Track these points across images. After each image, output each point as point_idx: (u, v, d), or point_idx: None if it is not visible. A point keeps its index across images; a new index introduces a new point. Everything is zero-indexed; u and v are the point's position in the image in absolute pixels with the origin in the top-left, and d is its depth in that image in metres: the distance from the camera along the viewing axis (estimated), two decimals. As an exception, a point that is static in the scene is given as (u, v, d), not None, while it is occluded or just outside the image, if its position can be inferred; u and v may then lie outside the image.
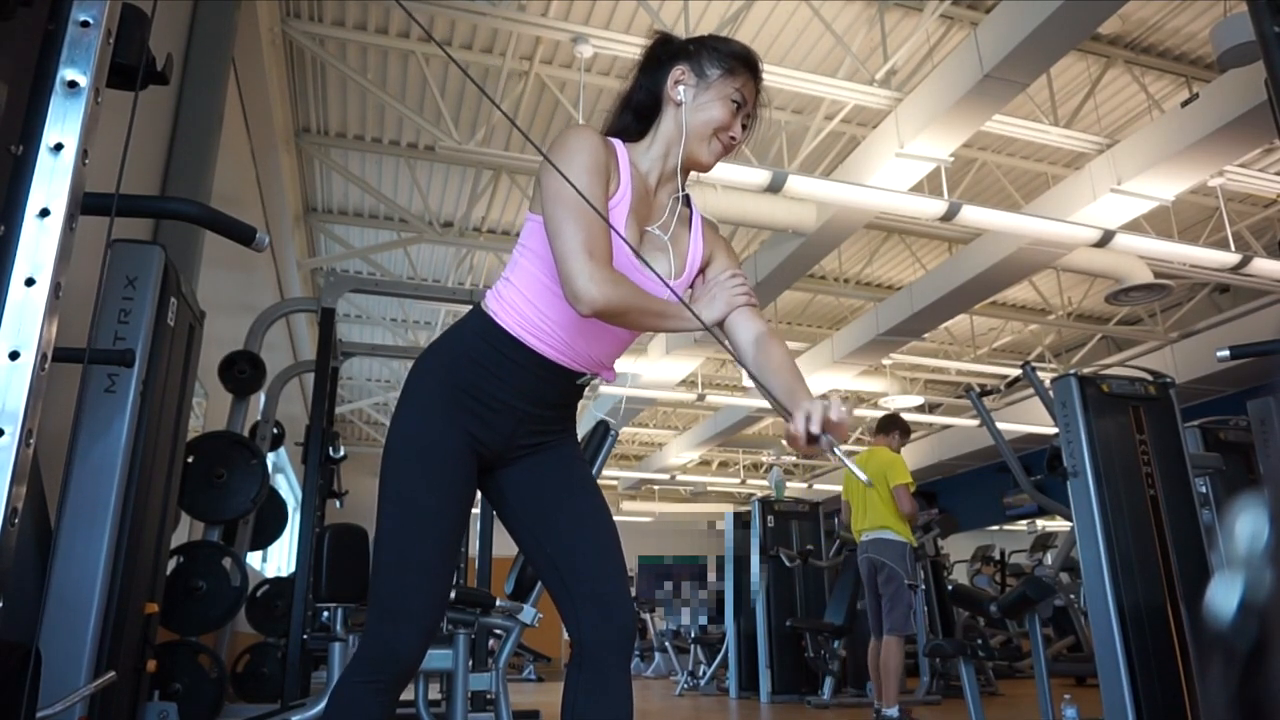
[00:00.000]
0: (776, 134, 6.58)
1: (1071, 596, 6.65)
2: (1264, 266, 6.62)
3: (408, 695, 3.16)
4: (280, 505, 4.63)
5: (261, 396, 4.74)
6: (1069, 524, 3.50)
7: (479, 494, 1.48)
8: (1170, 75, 6.22)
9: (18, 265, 0.84)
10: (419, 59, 5.87)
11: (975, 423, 8.80)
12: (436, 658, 2.89)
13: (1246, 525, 0.47)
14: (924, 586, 4.69)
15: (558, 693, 1.36)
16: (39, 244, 0.85)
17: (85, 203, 0.90)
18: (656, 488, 16.01)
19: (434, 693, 4.24)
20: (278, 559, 9.04)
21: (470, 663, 2.98)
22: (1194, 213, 7.75)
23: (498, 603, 3.02)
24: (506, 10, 5.24)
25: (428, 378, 1.41)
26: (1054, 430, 3.54)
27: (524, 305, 1.39)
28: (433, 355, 1.43)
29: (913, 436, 5.38)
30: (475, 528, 4.59)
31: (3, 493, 0.78)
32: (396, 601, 1.32)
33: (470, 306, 1.53)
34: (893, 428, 5.14)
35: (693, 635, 9.17)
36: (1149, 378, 3.63)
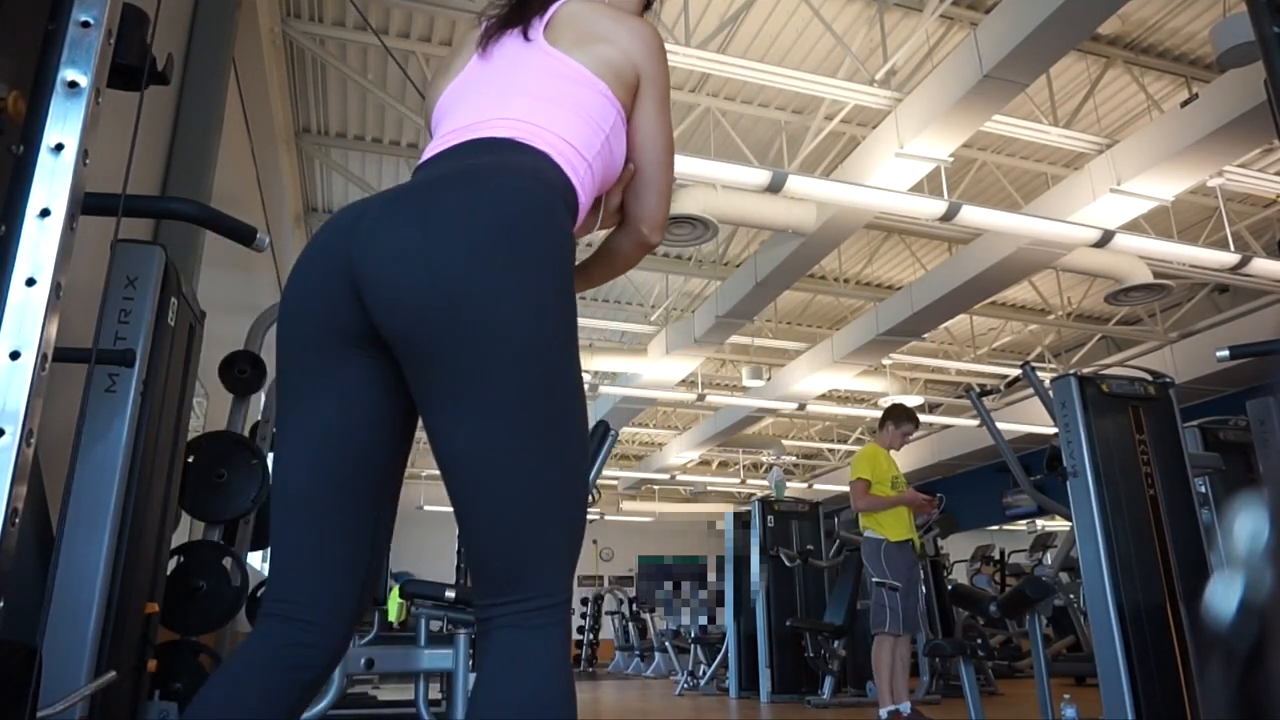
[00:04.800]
0: (776, 134, 6.59)
1: (1071, 596, 6.65)
2: (1263, 266, 6.63)
3: (408, 695, 3.16)
4: (280, 505, 4.62)
5: (262, 396, 4.74)
6: (1069, 524, 3.50)
7: None
8: (1170, 75, 6.23)
9: (18, 265, 0.84)
10: (419, 59, 5.87)
11: (975, 423, 8.79)
12: (436, 658, 2.89)
13: (1246, 525, 0.47)
14: (901, 585, 4.61)
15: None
16: (39, 244, 0.85)
17: (86, 203, 0.90)
18: (656, 488, 16.01)
19: (434, 692, 4.25)
20: (278, 559, 9.03)
21: (470, 662, 2.98)
22: (1194, 213, 7.75)
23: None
24: (506, 10, 5.23)
25: (567, 243, 0.97)
26: (1054, 430, 3.54)
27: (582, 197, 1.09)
28: (562, 213, 0.99)
29: (913, 437, 5.29)
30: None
31: (3, 493, 0.78)
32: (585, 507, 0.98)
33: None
34: (885, 420, 4.96)
35: (693, 635, 9.16)
36: (1149, 378, 3.62)
